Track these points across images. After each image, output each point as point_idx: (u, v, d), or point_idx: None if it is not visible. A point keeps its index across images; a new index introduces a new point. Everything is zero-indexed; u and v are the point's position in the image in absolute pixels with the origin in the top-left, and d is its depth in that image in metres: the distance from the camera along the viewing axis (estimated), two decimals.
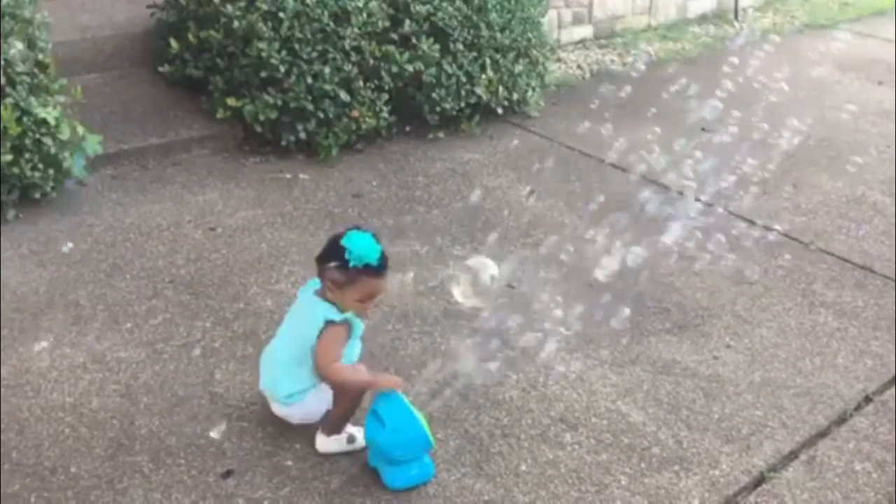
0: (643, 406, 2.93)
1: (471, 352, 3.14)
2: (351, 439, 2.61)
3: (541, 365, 3.10)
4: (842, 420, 2.95)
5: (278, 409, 2.64)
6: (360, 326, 2.58)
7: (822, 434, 2.88)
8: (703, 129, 5.08)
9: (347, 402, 2.59)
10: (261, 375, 2.69)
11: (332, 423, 2.62)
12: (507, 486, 2.57)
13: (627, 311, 3.45)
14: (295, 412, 2.61)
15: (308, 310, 2.55)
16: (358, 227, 2.55)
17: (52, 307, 3.24)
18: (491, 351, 3.15)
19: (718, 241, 4.01)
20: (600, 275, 3.64)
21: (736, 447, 2.78)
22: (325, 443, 2.62)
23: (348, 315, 2.52)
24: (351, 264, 2.46)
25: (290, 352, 2.58)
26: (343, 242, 2.49)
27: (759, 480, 2.67)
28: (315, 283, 2.61)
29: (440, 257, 3.74)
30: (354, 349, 2.62)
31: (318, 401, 2.60)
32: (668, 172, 4.65)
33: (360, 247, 2.47)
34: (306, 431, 2.67)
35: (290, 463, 2.60)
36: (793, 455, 2.78)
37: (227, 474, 2.55)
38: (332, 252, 2.51)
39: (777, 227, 4.17)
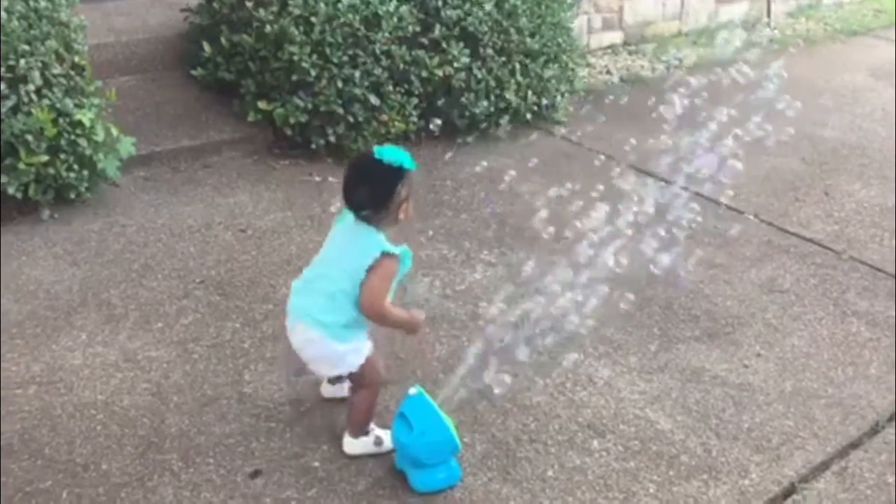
0: (672, 414, 2.91)
1: (498, 356, 3.14)
2: (378, 441, 2.62)
3: (568, 371, 3.09)
4: (874, 431, 2.90)
5: (310, 334, 2.47)
6: (408, 264, 2.50)
7: (854, 445, 2.84)
8: (733, 136, 5.04)
9: (367, 396, 2.59)
10: (292, 306, 2.53)
11: (357, 422, 2.62)
12: (533, 492, 2.57)
13: (656, 318, 3.44)
14: (335, 349, 2.47)
15: (359, 239, 2.42)
16: (369, 150, 2.46)
17: (84, 306, 3.28)
18: (518, 355, 3.14)
19: (748, 249, 3.99)
20: (628, 281, 3.62)
21: (766, 457, 2.75)
22: (353, 445, 2.63)
23: (402, 248, 2.44)
24: (408, 171, 2.40)
25: (339, 283, 2.42)
26: (389, 162, 2.37)
27: (790, 491, 2.64)
28: (349, 212, 2.49)
29: (468, 261, 3.74)
30: (393, 289, 2.52)
31: (354, 351, 2.49)
32: (698, 179, 4.62)
33: (399, 154, 2.40)
34: (333, 433, 2.68)
35: (317, 464, 2.61)
36: (824, 466, 2.74)
37: (255, 474, 2.56)
38: (387, 179, 2.38)
39: (808, 234, 4.13)
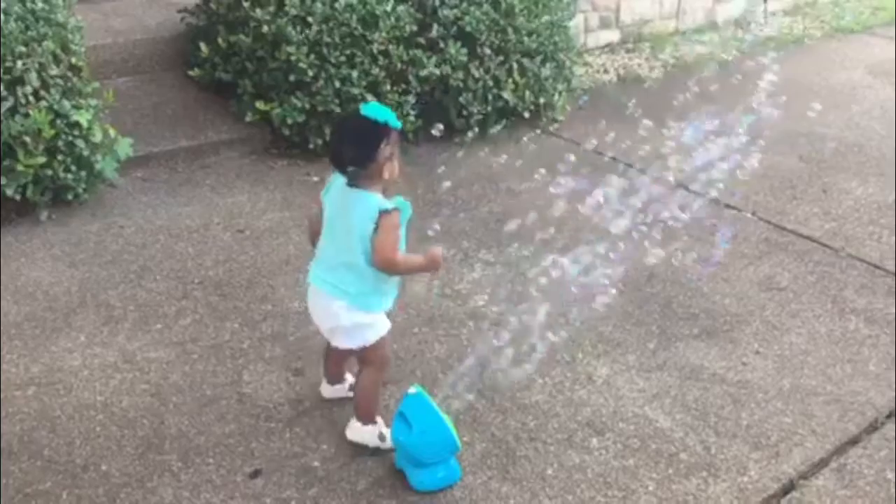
0: (671, 412, 2.92)
1: (497, 355, 3.14)
2: (381, 437, 2.62)
3: (567, 369, 3.09)
4: (873, 428, 2.91)
5: (334, 304, 2.49)
6: (408, 211, 2.48)
7: (853, 442, 2.84)
8: (731, 135, 5.04)
9: (373, 376, 2.59)
10: (315, 276, 2.55)
11: (364, 405, 2.61)
12: (533, 491, 2.57)
13: (655, 316, 3.44)
14: (358, 320, 2.50)
15: (355, 205, 2.43)
16: (357, 109, 2.46)
17: (83, 307, 3.28)
18: (517, 354, 3.15)
19: (747, 246, 3.99)
20: (627, 279, 3.62)
21: (765, 454, 2.75)
22: (356, 430, 2.63)
23: (398, 201, 2.45)
24: (393, 129, 2.40)
25: (353, 253, 2.44)
26: (374, 117, 2.38)
27: (789, 488, 2.64)
28: (337, 181, 2.48)
29: (466, 261, 3.75)
30: (403, 238, 2.52)
31: (373, 325, 2.52)
32: (696, 177, 4.62)
33: (383, 112, 2.40)
34: (334, 433, 2.68)
35: (317, 464, 2.61)
36: (823, 463, 2.75)
37: (255, 474, 2.56)
38: (371, 135, 2.39)
39: (807, 232, 4.14)
